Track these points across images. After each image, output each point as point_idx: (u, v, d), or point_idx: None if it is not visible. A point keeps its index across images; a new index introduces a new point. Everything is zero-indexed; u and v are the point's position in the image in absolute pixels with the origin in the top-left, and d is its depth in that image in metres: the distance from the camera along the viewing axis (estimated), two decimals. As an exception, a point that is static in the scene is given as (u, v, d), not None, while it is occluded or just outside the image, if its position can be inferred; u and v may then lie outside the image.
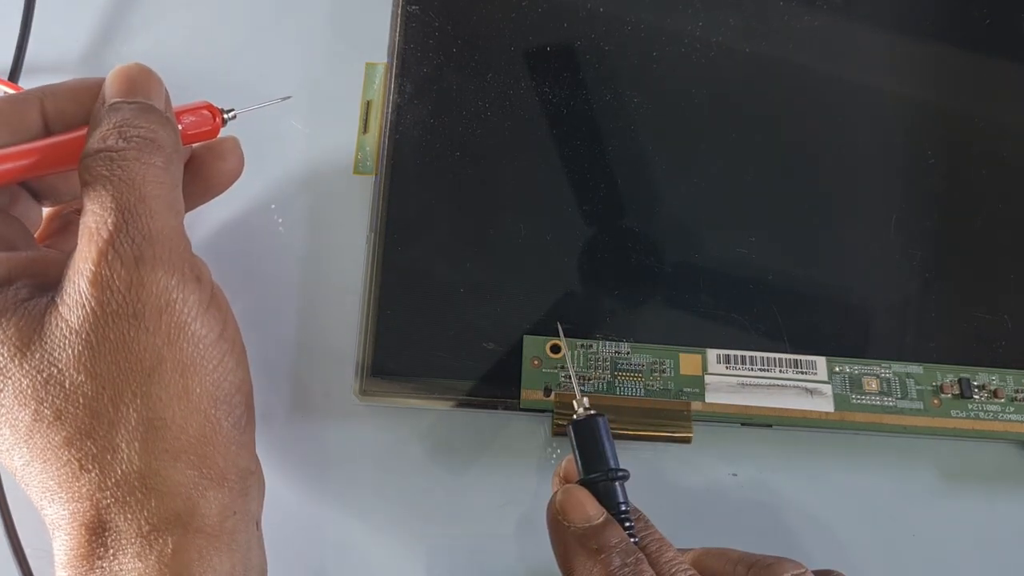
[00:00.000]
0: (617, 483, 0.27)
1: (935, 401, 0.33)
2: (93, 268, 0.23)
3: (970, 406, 0.33)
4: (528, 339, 0.33)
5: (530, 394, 0.32)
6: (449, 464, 0.34)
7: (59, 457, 0.22)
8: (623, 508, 0.27)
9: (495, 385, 0.33)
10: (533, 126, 0.37)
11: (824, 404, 0.33)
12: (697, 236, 0.36)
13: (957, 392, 0.33)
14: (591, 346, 0.33)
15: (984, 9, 0.40)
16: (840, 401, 0.33)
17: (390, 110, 0.37)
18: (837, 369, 0.33)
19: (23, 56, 0.38)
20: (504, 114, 0.37)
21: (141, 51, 0.39)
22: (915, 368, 0.34)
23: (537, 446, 0.34)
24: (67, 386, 0.22)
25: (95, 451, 0.22)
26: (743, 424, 0.33)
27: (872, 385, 0.33)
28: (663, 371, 0.33)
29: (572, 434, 0.28)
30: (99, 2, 0.39)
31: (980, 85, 0.39)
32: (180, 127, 0.28)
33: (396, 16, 0.38)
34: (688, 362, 0.33)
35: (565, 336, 0.32)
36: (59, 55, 0.39)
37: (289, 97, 0.33)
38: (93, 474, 0.22)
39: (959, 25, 0.40)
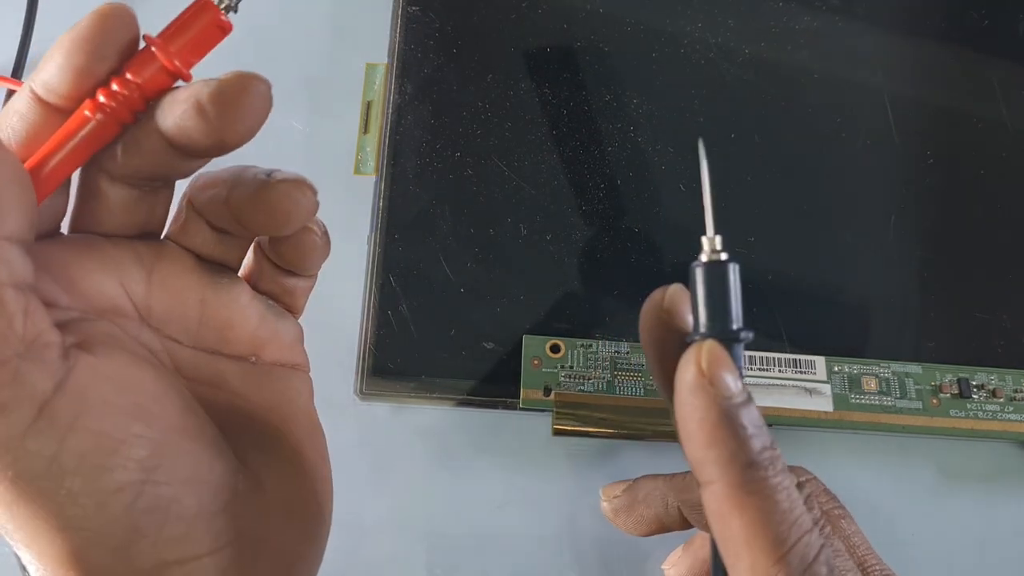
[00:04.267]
0: (743, 345, 0.23)
1: (934, 401, 0.33)
2: None
3: (969, 406, 0.33)
4: (528, 339, 0.33)
5: (530, 394, 0.33)
6: (449, 464, 0.34)
7: None
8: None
9: (495, 385, 0.33)
10: (533, 127, 0.37)
11: (823, 404, 0.33)
12: (696, 236, 0.36)
13: (956, 392, 0.33)
14: (591, 346, 0.33)
15: (983, 10, 0.40)
16: (839, 401, 0.33)
17: (390, 111, 0.37)
18: (836, 369, 0.33)
19: (27, 52, 0.38)
20: (504, 114, 0.37)
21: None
22: (914, 368, 0.34)
23: (537, 446, 0.34)
24: None
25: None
26: (742, 424, 0.33)
27: (871, 385, 0.33)
28: (663, 371, 0.33)
29: (700, 278, 0.23)
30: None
31: (980, 85, 0.39)
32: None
33: (396, 17, 0.38)
34: (688, 362, 0.33)
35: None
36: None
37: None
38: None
39: (958, 25, 0.40)
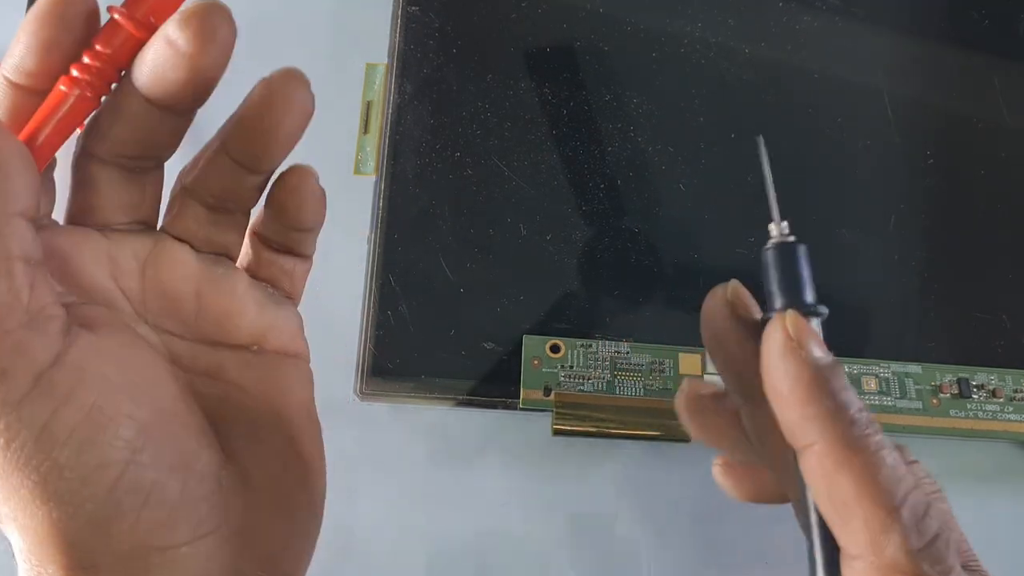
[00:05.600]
0: (820, 320, 0.23)
1: (934, 401, 0.33)
2: None
3: (969, 406, 0.33)
4: (528, 339, 0.33)
5: (530, 394, 0.33)
6: (449, 464, 0.34)
7: None
8: None
9: (495, 385, 0.33)
10: (533, 126, 0.37)
11: (823, 404, 0.33)
12: (696, 236, 0.36)
13: (956, 392, 0.33)
14: (591, 346, 0.33)
15: (983, 10, 0.40)
16: (839, 401, 0.33)
17: (390, 110, 0.37)
18: (836, 369, 0.33)
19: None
20: (504, 114, 0.37)
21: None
22: (914, 368, 0.34)
23: (537, 446, 0.34)
24: None
25: None
26: (742, 424, 0.33)
27: (871, 384, 0.33)
28: (663, 370, 0.33)
29: (772, 259, 0.24)
30: None
31: (980, 85, 0.39)
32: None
33: (396, 17, 0.38)
34: (688, 362, 0.33)
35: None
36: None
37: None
38: None
39: (958, 25, 0.40)
